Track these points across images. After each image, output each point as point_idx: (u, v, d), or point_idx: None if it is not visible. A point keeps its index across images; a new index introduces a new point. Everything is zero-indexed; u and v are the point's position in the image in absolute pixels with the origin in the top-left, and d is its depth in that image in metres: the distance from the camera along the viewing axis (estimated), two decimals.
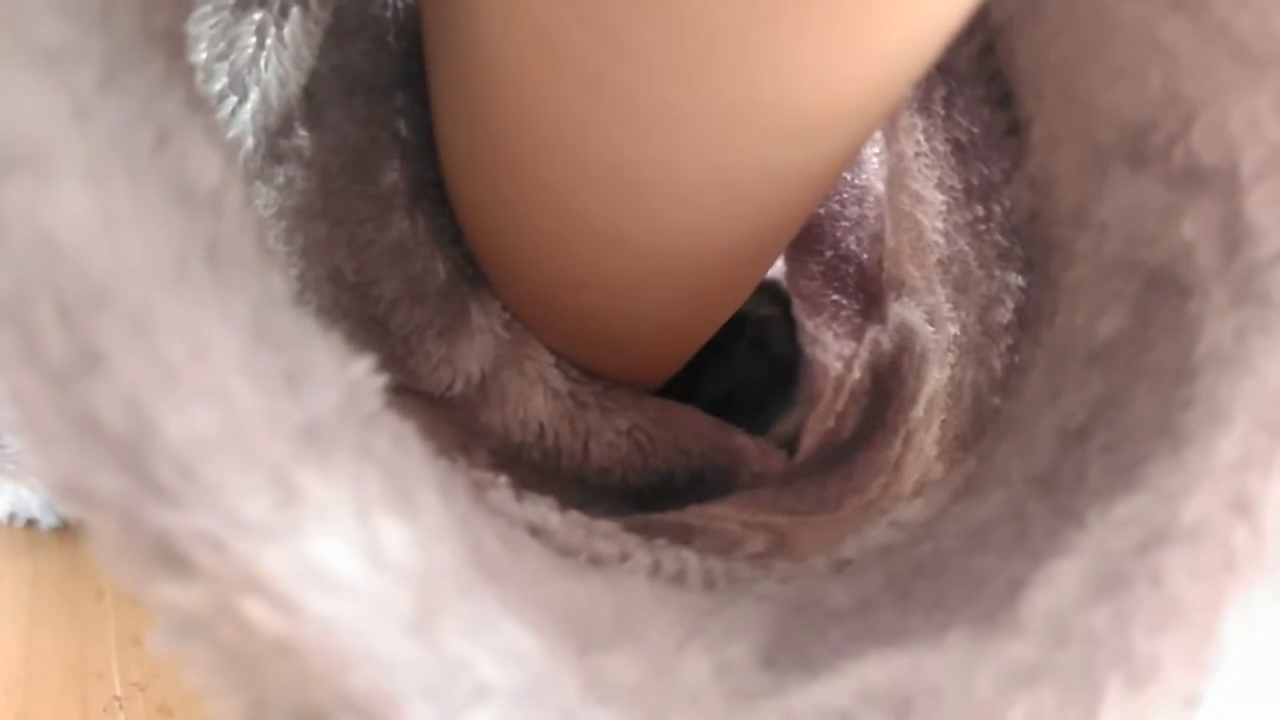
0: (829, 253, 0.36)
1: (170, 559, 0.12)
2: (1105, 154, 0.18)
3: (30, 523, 0.40)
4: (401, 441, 0.17)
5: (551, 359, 0.30)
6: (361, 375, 0.16)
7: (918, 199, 0.29)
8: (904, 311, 0.33)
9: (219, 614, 0.12)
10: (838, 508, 0.33)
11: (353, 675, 0.13)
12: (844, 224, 0.36)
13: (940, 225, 0.28)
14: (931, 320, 0.32)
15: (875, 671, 0.16)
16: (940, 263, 0.29)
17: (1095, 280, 0.19)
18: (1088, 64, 0.19)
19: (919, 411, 0.32)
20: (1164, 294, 0.16)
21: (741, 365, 0.38)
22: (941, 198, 0.27)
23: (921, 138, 0.27)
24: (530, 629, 0.16)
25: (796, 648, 0.18)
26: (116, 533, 0.12)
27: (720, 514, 0.30)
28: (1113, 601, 0.14)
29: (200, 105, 0.16)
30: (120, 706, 0.32)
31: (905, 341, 0.33)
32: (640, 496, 0.33)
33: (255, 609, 0.12)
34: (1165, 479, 0.14)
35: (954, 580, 0.18)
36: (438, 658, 0.13)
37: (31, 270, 0.12)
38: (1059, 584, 0.15)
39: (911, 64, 0.18)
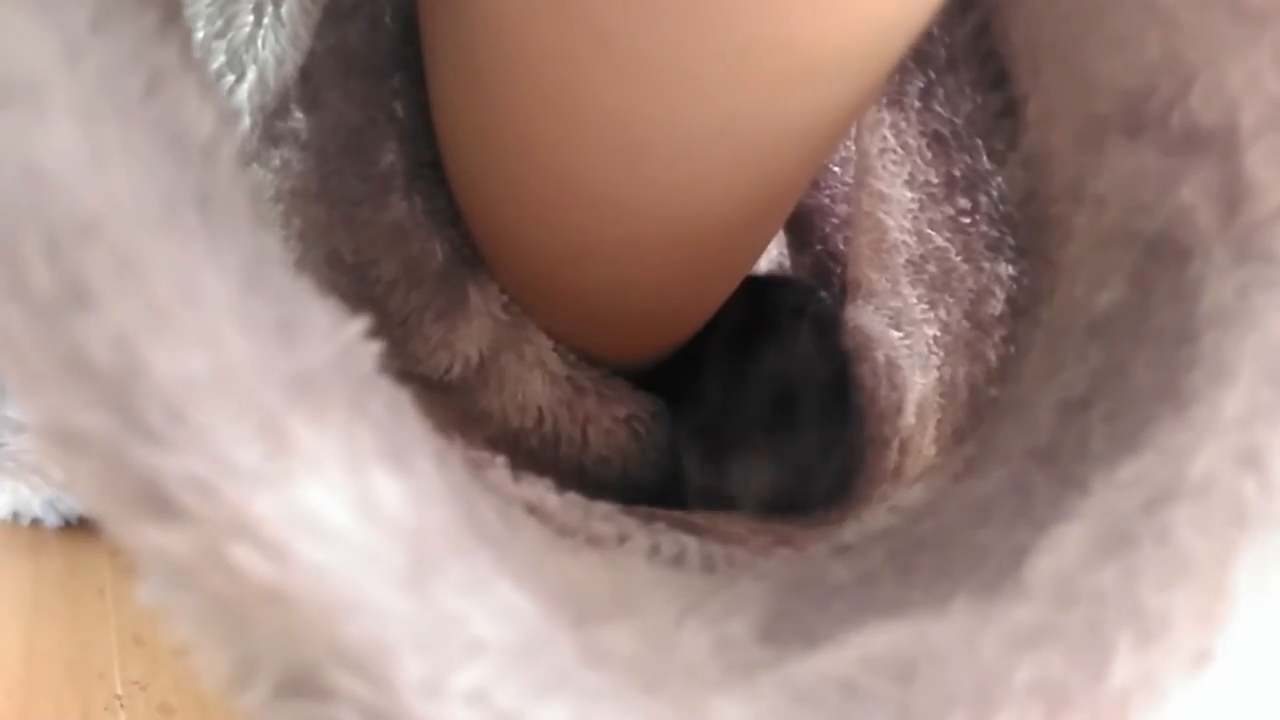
0: (818, 247, 0.36)
1: (157, 502, 0.12)
2: (1102, 124, 0.18)
3: (34, 521, 0.40)
4: (396, 406, 0.17)
5: (550, 343, 0.29)
6: (355, 337, 0.16)
7: (881, 198, 0.29)
8: (859, 316, 0.33)
9: (207, 560, 0.12)
10: (841, 519, 0.32)
11: (345, 626, 0.12)
12: (833, 220, 0.35)
13: (909, 224, 0.28)
14: (897, 324, 0.32)
15: (877, 640, 0.16)
16: (911, 263, 0.29)
17: (1093, 253, 0.18)
18: (1085, 34, 0.19)
19: (909, 419, 0.32)
20: (1163, 260, 0.16)
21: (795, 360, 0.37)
22: (911, 195, 0.27)
23: (889, 134, 0.27)
24: (525, 593, 0.15)
25: (796, 621, 0.18)
26: (102, 475, 0.12)
27: (726, 518, 0.30)
28: (1120, 561, 0.14)
29: (196, 63, 0.16)
30: (121, 705, 0.32)
31: (862, 349, 0.33)
32: (644, 496, 0.33)
33: (244, 555, 0.12)
34: (1170, 438, 0.14)
35: (956, 553, 0.18)
36: (431, 611, 0.13)
37: (19, 202, 0.12)
38: (1063, 548, 0.15)
39: (912, 12, 0.18)
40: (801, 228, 0.37)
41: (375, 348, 0.16)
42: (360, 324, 0.16)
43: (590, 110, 0.20)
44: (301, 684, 0.13)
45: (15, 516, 0.40)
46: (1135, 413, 0.15)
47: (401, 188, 0.27)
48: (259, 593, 0.12)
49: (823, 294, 0.36)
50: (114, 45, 0.13)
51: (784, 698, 0.16)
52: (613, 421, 0.31)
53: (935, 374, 0.28)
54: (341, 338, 0.15)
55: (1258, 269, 0.14)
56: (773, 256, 0.39)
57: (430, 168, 0.27)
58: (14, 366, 0.12)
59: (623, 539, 0.22)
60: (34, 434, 0.12)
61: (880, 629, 0.16)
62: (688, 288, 0.28)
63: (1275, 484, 0.13)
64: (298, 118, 0.26)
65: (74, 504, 0.39)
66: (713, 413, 0.33)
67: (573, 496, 0.22)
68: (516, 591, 0.15)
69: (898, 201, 0.27)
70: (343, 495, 0.13)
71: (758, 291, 0.33)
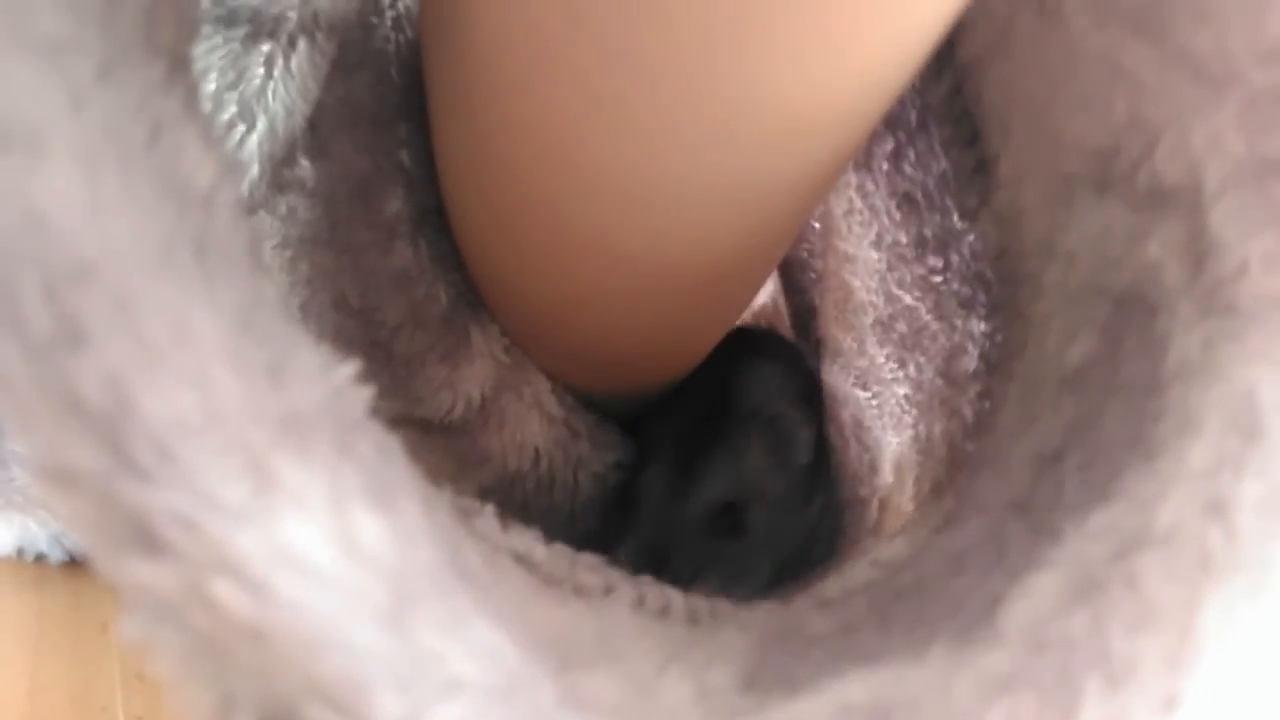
0: (797, 297, 0.37)
1: (144, 538, 0.12)
2: (1072, 183, 0.19)
3: (39, 557, 0.40)
4: (385, 450, 0.17)
5: (548, 384, 0.30)
6: (346, 381, 0.16)
7: (847, 258, 0.29)
8: (827, 376, 0.33)
9: (189, 595, 0.12)
10: (824, 575, 0.32)
11: (322, 662, 0.13)
12: (810, 275, 0.36)
13: (875, 284, 0.28)
14: (864, 384, 0.32)
15: (855, 688, 0.16)
16: (879, 323, 0.29)
17: (1064, 309, 0.19)
18: (1054, 96, 0.19)
19: (886, 478, 0.32)
20: (1132, 315, 0.17)
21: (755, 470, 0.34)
22: (878, 256, 0.27)
23: (855, 195, 0.28)
24: (506, 635, 0.16)
25: (777, 670, 0.18)
26: (93, 511, 0.12)
27: None
28: (1090, 607, 0.14)
29: (199, 114, 0.17)
30: None
31: (830, 410, 0.33)
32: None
33: (225, 590, 0.12)
34: (1139, 487, 0.14)
35: (934, 602, 0.18)
36: (409, 649, 0.13)
37: (19, 244, 0.12)
38: (1036, 596, 0.15)
39: (893, 74, 0.19)
40: (787, 276, 0.37)
41: (366, 392, 0.17)
42: (351, 368, 0.16)
43: (585, 164, 0.21)
44: (280, 718, 0.13)
45: (20, 553, 0.40)
46: (1106, 463, 0.16)
47: (407, 234, 0.27)
48: (239, 628, 0.12)
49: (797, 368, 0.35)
50: (119, 95, 0.14)
51: None
52: (603, 467, 0.32)
53: (910, 432, 0.29)
54: (332, 381, 0.16)
55: (1222, 323, 0.15)
56: (769, 292, 0.39)
57: (435, 214, 0.28)
58: (10, 404, 0.12)
59: (608, 590, 0.22)
60: (30, 469, 0.13)
61: (859, 677, 0.16)
62: (678, 332, 0.28)
63: (1239, 532, 0.13)
64: (305, 166, 0.27)
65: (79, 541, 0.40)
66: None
67: (559, 547, 0.22)
68: (497, 633, 0.15)
69: (864, 262, 0.28)
70: (325, 533, 0.13)
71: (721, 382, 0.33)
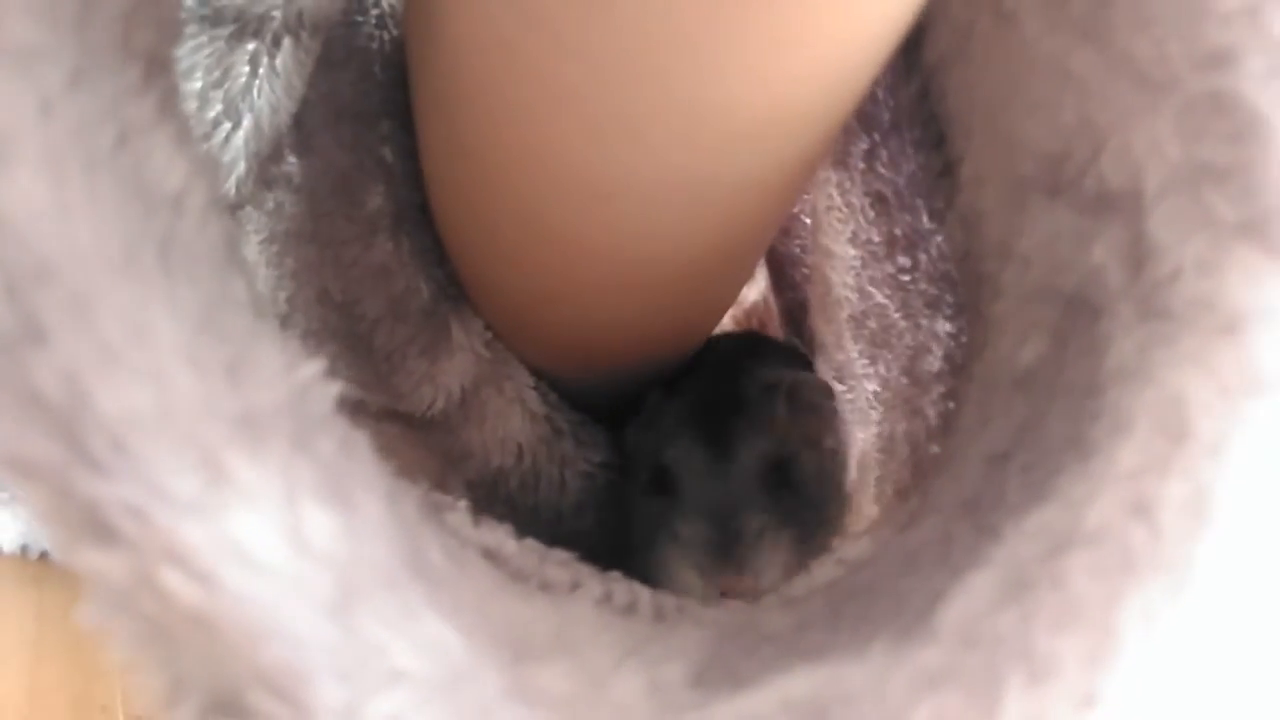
0: (789, 294, 0.37)
1: (98, 527, 0.13)
2: (1025, 186, 0.19)
3: (43, 555, 0.40)
4: (349, 447, 0.17)
5: (531, 380, 0.30)
6: (311, 379, 0.17)
7: (827, 254, 0.29)
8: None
9: (140, 583, 0.13)
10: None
11: (266, 651, 0.13)
12: (804, 270, 0.36)
13: (851, 280, 0.28)
14: (840, 378, 0.32)
15: (798, 684, 0.17)
16: (852, 318, 0.30)
17: (1018, 310, 0.19)
18: (1009, 99, 0.20)
19: (851, 474, 0.32)
20: (1078, 317, 0.17)
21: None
22: (854, 252, 0.28)
23: (835, 192, 0.28)
24: (456, 629, 0.16)
25: (728, 666, 0.19)
26: (50, 500, 0.13)
27: None
28: (1019, 605, 0.14)
29: (175, 115, 0.17)
30: None
31: None
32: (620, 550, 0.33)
33: (173, 580, 0.13)
34: (1072, 489, 0.15)
35: (882, 599, 0.18)
36: (352, 641, 0.14)
37: None
38: (972, 594, 0.15)
39: (851, 77, 0.19)
40: (779, 272, 0.38)
41: (333, 388, 0.17)
42: (318, 365, 0.17)
43: (553, 163, 0.21)
44: (225, 705, 0.13)
45: (24, 550, 0.40)
46: (1047, 464, 0.16)
47: (388, 229, 0.28)
48: (186, 616, 0.13)
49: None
50: (89, 101, 0.14)
51: None
52: (589, 465, 0.32)
53: (875, 429, 0.29)
54: (296, 378, 0.16)
55: (1157, 326, 0.15)
56: (760, 289, 0.40)
57: (418, 210, 0.28)
58: None
59: (575, 585, 0.22)
60: None
61: (803, 673, 0.17)
62: (656, 326, 0.29)
63: (1163, 533, 0.14)
64: (291, 162, 0.28)
65: None
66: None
67: (530, 542, 0.22)
68: (447, 627, 0.16)
69: (841, 258, 0.28)
70: (274, 527, 0.14)
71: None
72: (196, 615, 0.13)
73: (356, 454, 0.18)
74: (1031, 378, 0.18)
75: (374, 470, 0.18)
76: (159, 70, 0.18)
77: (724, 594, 0.27)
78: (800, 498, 0.30)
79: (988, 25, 0.20)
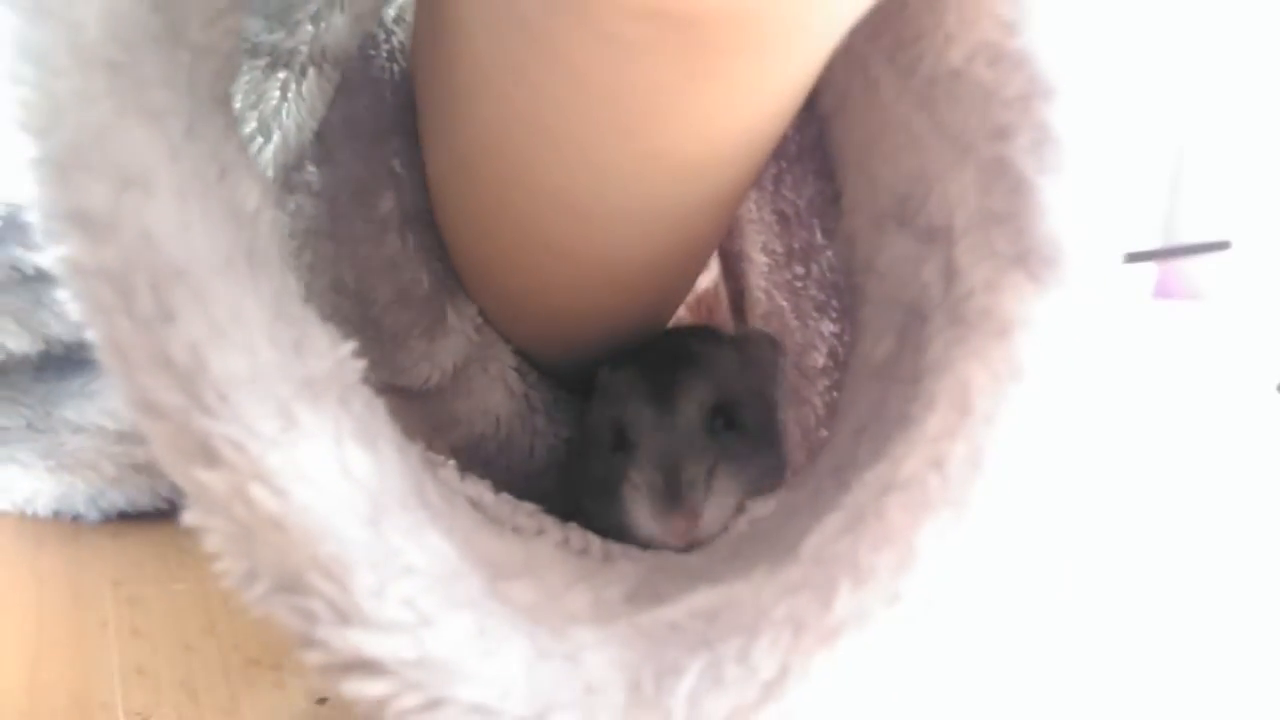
0: (733, 283, 0.43)
1: (206, 454, 0.18)
2: (883, 216, 0.25)
3: (76, 518, 0.44)
4: (372, 407, 0.23)
5: (514, 361, 0.36)
6: (346, 354, 0.22)
7: (747, 258, 0.35)
8: None
9: (234, 495, 0.18)
10: None
11: (321, 546, 0.19)
12: (744, 264, 0.42)
13: (762, 283, 0.34)
14: None
15: (701, 599, 0.22)
16: (761, 317, 0.35)
17: (876, 315, 0.25)
18: (873, 147, 0.25)
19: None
20: (913, 322, 0.23)
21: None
22: (764, 259, 0.33)
23: (753, 205, 0.34)
24: (451, 545, 0.22)
25: (654, 589, 0.24)
26: (173, 434, 0.18)
27: None
28: (853, 534, 0.20)
29: (246, 151, 0.22)
30: None
31: None
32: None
33: (259, 493, 0.18)
34: (897, 450, 0.21)
35: (770, 540, 0.24)
36: (380, 543, 0.19)
37: (135, 253, 0.18)
38: (826, 529, 0.21)
39: (766, 131, 0.24)
40: (727, 266, 0.43)
41: (361, 363, 0.23)
42: (351, 345, 0.22)
43: (535, 185, 0.27)
44: (289, 585, 0.19)
45: (56, 514, 0.44)
46: (885, 433, 0.22)
47: (396, 228, 0.33)
48: (266, 520, 0.18)
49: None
50: (200, 146, 0.20)
51: (630, 631, 0.22)
52: (556, 440, 0.38)
53: None
54: (337, 354, 0.22)
55: (957, 330, 0.21)
56: (713, 278, 0.45)
57: (423, 213, 0.33)
58: (120, 360, 0.18)
59: (540, 531, 0.28)
60: (126, 406, 0.19)
61: (705, 592, 0.22)
62: (623, 315, 0.34)
63: (950, 480, 0.20)
64: (311, 171, 0.33)
65: (117, 500, 0.44)
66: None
67: (505, 496, 0.28)
68: (445, 542, 0.21)
69: (755, 262, 0.34)
70: (328, 459, 0.19)
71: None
72: (274, 519, 0.18)
73: (377, 413, 0.23)
74: (882, 368, 0.24)
75: (389, 428, 0.24)
76: (229, 109, 0.23)
77: (678, 538, 0.29)
78: (745, 443, 0.32)
79: (859, 88, 0.26)
